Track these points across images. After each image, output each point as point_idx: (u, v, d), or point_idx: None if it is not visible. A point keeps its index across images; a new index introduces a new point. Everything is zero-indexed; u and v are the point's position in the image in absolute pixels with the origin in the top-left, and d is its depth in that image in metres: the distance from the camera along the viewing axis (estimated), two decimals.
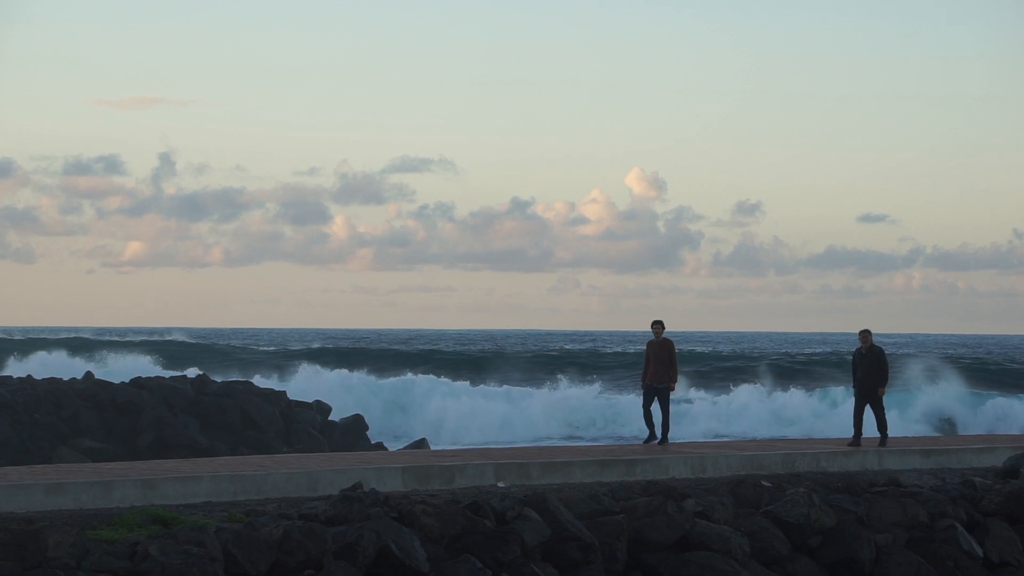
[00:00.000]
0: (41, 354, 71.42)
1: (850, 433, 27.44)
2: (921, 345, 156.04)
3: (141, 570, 15.51)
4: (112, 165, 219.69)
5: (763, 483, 22.17)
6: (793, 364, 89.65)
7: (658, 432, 26.83)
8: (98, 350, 77.44)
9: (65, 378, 44.62)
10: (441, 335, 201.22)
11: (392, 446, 44.30)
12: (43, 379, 43.63)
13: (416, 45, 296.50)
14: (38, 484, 18.35)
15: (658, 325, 26.99)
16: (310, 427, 43.24)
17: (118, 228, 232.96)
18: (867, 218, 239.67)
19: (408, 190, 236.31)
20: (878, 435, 27.38)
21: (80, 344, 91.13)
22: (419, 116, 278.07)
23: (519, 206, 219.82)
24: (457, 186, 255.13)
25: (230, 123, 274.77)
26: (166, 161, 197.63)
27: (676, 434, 50.36)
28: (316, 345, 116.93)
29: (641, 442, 27.32)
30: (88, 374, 44.78)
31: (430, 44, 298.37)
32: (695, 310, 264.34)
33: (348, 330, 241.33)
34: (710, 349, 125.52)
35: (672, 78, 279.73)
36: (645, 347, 27.36)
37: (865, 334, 27.21)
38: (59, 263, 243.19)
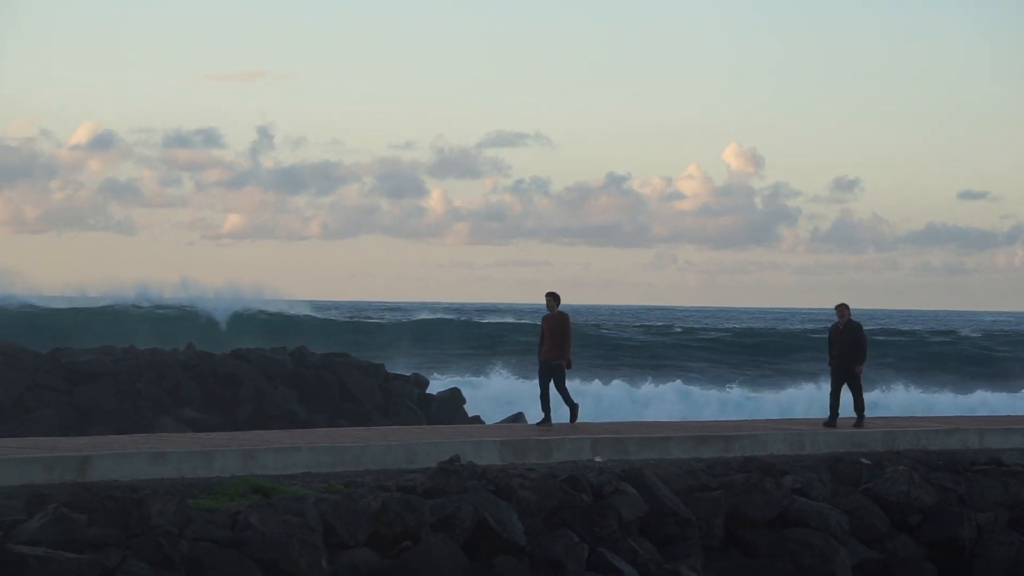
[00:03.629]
0: (144, 324, 71.94)
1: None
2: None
3: (242, 539, 15.69)
4: (211, 138, 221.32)
5: (862, 460, 22.00)
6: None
7: (552, 415, 24.56)
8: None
9: (167, 348, 45.11)
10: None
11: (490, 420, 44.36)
12: (146, 349, 44.11)
13: (513, 19, 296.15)
14: (141, 453, 18.59)
15: (551, 298, 24.58)
16: (408, 400, 43.42)
17: (217, 201, 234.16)
18: (967, 195, 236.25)
19: (504, 164, 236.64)
20: (854, 415, 25.83)
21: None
22: (515, 90, 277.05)
23: (615, 181, 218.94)
24: (552, 161, 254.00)
25: (326, 97, 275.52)
26: (264, 135, 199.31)
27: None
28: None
29: (535, 424, 24.93)
30: (190, 344, 45.18)
31: (527, 18, 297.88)
32: (792, 286, 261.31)
33: (454, 304, 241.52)
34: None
35: (770, 53, 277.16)
36: (541, 322, 25.02)
37: (842, 308, 25.59)
38: (160, 235, 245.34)
